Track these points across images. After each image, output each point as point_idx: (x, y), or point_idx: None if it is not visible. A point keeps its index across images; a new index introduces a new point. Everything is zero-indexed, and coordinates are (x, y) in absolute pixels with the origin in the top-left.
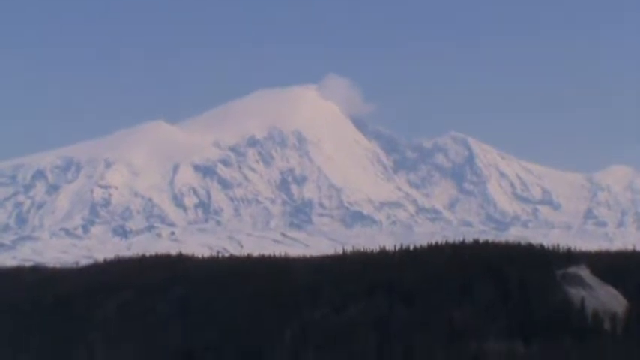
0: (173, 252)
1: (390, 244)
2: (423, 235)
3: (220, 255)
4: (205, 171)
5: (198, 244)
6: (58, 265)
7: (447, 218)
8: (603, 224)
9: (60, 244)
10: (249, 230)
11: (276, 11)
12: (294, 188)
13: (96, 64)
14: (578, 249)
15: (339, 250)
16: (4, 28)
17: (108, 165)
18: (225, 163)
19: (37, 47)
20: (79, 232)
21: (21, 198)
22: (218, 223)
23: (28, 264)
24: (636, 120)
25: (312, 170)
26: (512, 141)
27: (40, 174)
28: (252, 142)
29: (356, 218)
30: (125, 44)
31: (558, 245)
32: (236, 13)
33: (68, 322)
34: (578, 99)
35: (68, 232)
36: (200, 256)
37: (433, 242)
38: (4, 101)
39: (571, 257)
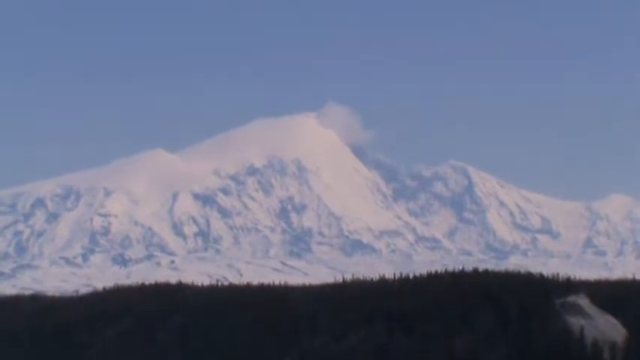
0: (173, 281)
1: (389, 272)
2: (423, 263)
3: (220, 284)
4: (205, 199)
5: (198, 273)
6: (57, 294)
7: (446, 247)
8: (603, 253)
9: (59, 273)
10: (249, 259)
11: (275, 39)
12: (293, 216)
13: (96, 93)
14: (577, 278)
15: (339, 279)
16: (4, 56)
17: (107, 193)
18: (225, 191)
19: (35, 75)
20: (79, 260)
21: (20, 226)
22: (217, 251)
23: (27, 292)
24: (636, 149)
25: (311, 198)
26: (512, 169)
27: (39, 202)
28: (252, 171)
29: (355, 247)
30: (125, 73)
31: (558, 274)
32: (236, 41)
33: (68, 351)
34: (578, 128)
35: (68, 261)
36: (199, 284)
37: (433, 271)
38: (3, 129)
39: (570, 286)
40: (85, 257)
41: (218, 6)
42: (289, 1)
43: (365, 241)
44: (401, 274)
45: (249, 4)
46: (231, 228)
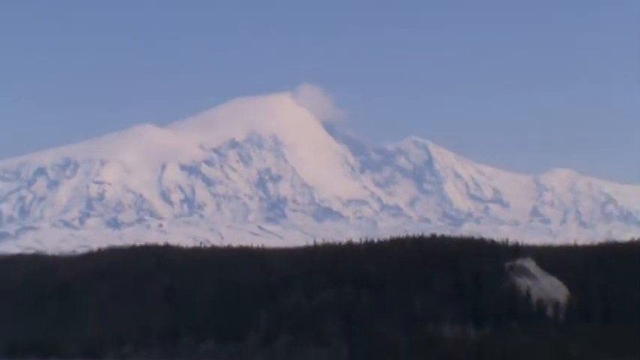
0: (160, 242)
1: (356, 237)
2: (386, 229)
3: (203, 246)
4: (190, 170)
5: (183, 236)
6: (57, 253)
7: (407, 215)
8: (548, 221)
9: (59, 234)
10: (230, 223)
11: (254, 25)
12: (270, 186)
13: (92, 71)
14: (525, 243)
15: (311, 243)
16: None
17: (102, 163)
18: (209, 163)
19: (39, 55)
20: (76, 223)
21: (24, 192)
22: (201, 216)
23: (29, 252)
24: (578, 126)
25: (286, 170)
26: (468, 145)
27: (41, 171)
28: (233, 145)
29: (326, 214)
30: (119, 56)
31: (507, 240)
32: (219, 27)
33: (66, 305)
34: (527, 108)
35: (66, 224)
36: (185, 246)
37: (395, 236)
38: (8, 104)
39: (518, 251)
40: (81, 220)
41: None
42: None
43: (334, 208)
44: (366, 238)
45: None
46: (213, 195)
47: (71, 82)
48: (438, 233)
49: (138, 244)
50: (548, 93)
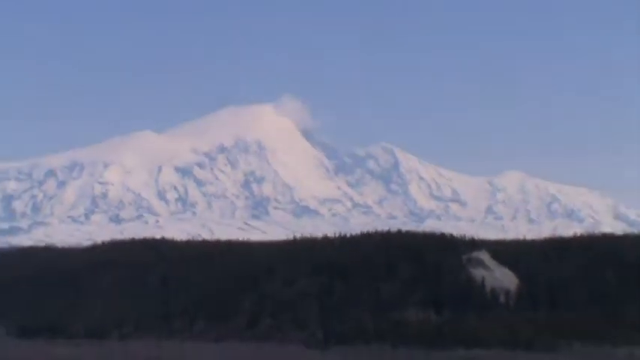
0: (157, 236)
1: (330, 232)
2: (357, 225)
3: (195, 239)
4: (184, 172)
5: (178, 230)
6: (65, 246)
7: (376, 212)
8: (500, 218)
9: (67, 229)
10: (218, 220)
11: (243, 39)
12: (254, 186)
13: (96, 82)
14: (480, 238)
15: (290, 237)
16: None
17: (105, 166)
18: (200, 165)
19: (49, 66)
20: (82, 219)
21: (35, 191)
22: (193, 213)
23: (40, 244)
24: (527, 133)
25: (269, 172)
26: (430, 151)
27: (51, 172)
28: (222, 149)
29: (304, 211)
30: (121, 68)
31: (464, 235)
32: (208, 42)
33: (73, 292)
34: (483, 115)
35: (73, 219)
36: (179, 240)
37: (365, 231)
38: (21, 111)
39: (474, 244)
40: (87, 216)
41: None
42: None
43: (311, 207)
44: (340, 233)
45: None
46: (204, 195)
47: (77, 91)
48: (404, 229)
49: (137, 237)
50: (500, 104)
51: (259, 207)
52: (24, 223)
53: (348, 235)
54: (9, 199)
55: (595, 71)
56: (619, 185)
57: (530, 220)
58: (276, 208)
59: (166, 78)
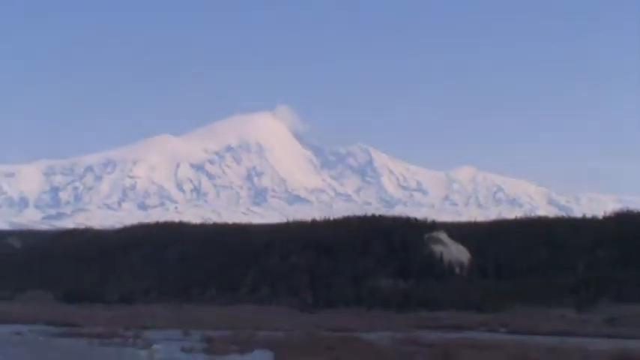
0: (176, 220)
1: (317, 216)
2: (339, 210)
3: (206, 222)
4: (197, 167)
5: (193, 215)
6: (101, 228)
7: (354, 200)
8: (455, 205)
9: (102, 214)
10: (226, 206)
11: (247, 56)
12: (255, 179)
13: (125, 92)
14: (439, 220)
15: (285, 220)
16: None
17: (134, 163)
18: (211, 162)
19: (90, 74)
20: (115, 206)
21: (77, 184)
22: (205, 201)
23: (81, 227)
24: (478, 132)
25: (267, 168)
26: (398, 149)
27: (89, 168)
28: (229, 149)
29: (296, 199)
30: (147, 80)
31: (426, 218)
32: (220, 59)
33: (107, 265)
34: (440, 118)
35: (108, 207)
36: (193, 223)
37: (345, 215)
38: (66, 118)
39: (434, 226)
40: (119, 204)
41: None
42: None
43: (302, 195)
44: (325, 217)
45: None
46: (214, 186)
47: (110, 102)
48: (377, 213)
49: (159, 221)
50: (456, 107)
51: (259, 196)
52: (67, 210)
53: (331, 218)
54: (56, 190)
55: (538, 76)
56: (551, 177)
57: (480, 206)
58: (272, 196)
59: (183, 90)
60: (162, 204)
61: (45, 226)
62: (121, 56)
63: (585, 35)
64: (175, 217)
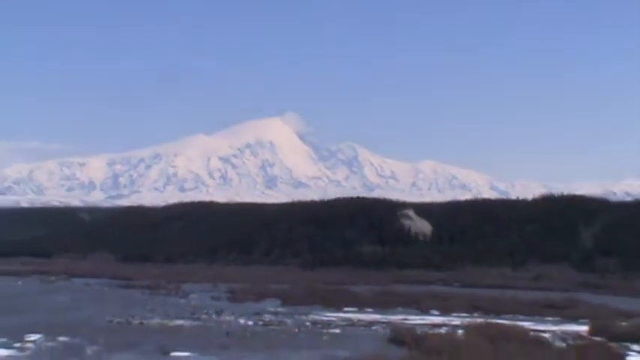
0: (207, 200)
1: (315, 198)
2: (332, 194)
3: (231, 202)
4: (224, 160)
5: (220, 197)
6: (150, 205)
7: (344, 185)
8: (421, 189)
9: (151, 195)
10: (246, 190)
11: (262, 73)
12: (268, 169)
13: (170, 99)
14: (408, 201)
15: (290, 201)
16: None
17: (175, 155)
18: (235, 156)
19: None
20: (161, 189)
21: (132, 172)
22: (230, 186)
23: (135, 205)
24: (440, 132)
25: (277, 160)
26: (377, 145)
27: (142, 159)
28: (248, 146)
29: (299, 185)
30: (186, 88)
31: (398, 199)
32: (243, 72)
33: (155, 234)
34: (408, 120)
35: (156, 189)
36: (221, 202)
37: (337, 197)
38: (126, 118)
39: (404, 205)
40: (164, 187)
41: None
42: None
43: (303, 181)
44: (322, 199)
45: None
46: (237, 174)
47: (158, 106)
48: (360, 195)
49: (194, 200)
50: (422, 106)
51: (271, 182)
52: (125, 192)
53: (326, 199)
54: (116, 176)
55: (484, 82)
56: (494, 167)
57: (439, 190)
58: (281, 182)
59: (213, 100)
60: (196, 187)
61: (107, 204)
62: (165, 74)
63: (502, 35)
64: (206, 198)
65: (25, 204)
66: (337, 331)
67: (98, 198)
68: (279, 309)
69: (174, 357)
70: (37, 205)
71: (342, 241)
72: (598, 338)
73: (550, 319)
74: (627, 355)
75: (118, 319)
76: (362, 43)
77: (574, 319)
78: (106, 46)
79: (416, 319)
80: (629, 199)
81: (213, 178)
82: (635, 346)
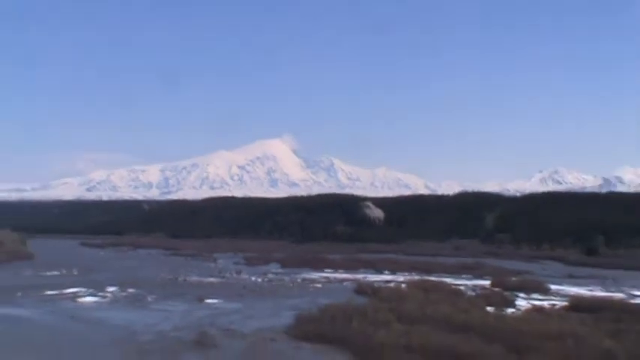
0: (229, 195)
1: (304, 194)
2: (316, 191)
3: (245, 197)
4: (241, 167)
5: (238, 193)
6: (189, 199)
7: (324, 185)
8: (377, 187)
9: (191, 192)
10: (256, 188)
11: (266, 101)
12: (272, 174)
13: (202, 122)
14: (368, 196)
15: (286, 196)
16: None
17: (207, 165)
18: (249, 165)
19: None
20: (198, 188)
21: (177, 176)
22: (245, 185)
23: (180, 199)
24: (393, 143)
25: (278, 168)
26: (348, 156)
27: (183, 168)
28: (257, 159)
29: (293, 185)
30: (211, 112)
31: (361, 195)
32: (248, 100)
33: (195, 219)
34: (368, 132)
35: (194, 188)
36: (238, 197)
37: (318, 193)
38: (171, 136)
39: (366, 199)
40: (200, 187)
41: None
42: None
43: (296, 183)
44: (308, 194)
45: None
46: (250, 177)
47: (194, 126)
48: (335, 192)
49: (221, 196)
50: (376, 124)
51: (273, 183)
52: (172, 189)
53: (311, 195)
54: (167, 179)
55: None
56: (427, 171)
57: (389, 189)
58: (282, 183)
59: (233, 124)
60: (222, 187)
61: (161, 198)
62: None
63: (439, 41)
64: (229, 194)
65: (104, 198)
66: (319, 285)
67: (155, 194)
68: (279, 270)
69: (208, 303)
70: (113, 198)
71: (323, 224)
72: (497, 289)
73: (465, 276)
74: (516, 299)
75: (169, 277)
76: (343, 79)
77: (481, 277)
78: (160, 83)
79: (374, 277)
80: (518, 194)
81: (233, 180)
82: (521, 294)
